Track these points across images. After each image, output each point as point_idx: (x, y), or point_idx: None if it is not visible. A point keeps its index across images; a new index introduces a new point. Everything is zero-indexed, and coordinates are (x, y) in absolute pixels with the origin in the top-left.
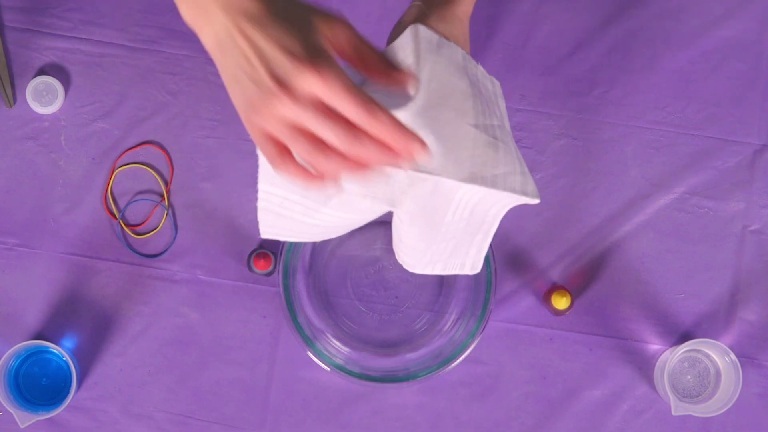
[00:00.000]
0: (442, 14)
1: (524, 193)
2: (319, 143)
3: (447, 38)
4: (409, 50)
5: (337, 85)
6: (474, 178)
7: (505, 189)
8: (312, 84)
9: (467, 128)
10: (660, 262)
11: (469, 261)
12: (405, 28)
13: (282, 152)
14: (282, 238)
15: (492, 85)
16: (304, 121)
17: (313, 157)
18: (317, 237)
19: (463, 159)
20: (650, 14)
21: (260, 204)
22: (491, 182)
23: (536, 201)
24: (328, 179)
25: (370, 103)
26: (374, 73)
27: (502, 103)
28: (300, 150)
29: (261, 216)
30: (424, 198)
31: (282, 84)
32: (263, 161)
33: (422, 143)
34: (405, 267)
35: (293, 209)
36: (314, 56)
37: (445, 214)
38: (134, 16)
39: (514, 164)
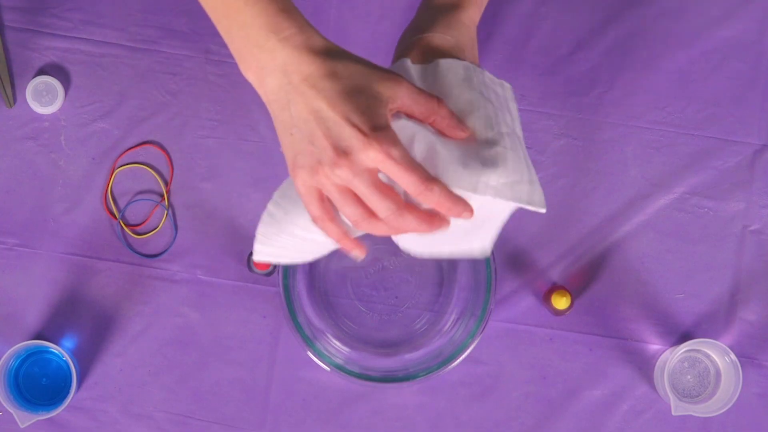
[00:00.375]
0: (448, 22)
1: (530, 203)
2: (366, 210)
3: (452, 48)
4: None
5: (398, 161)
6: (480, 188)
7: (511, 198)
8: (375, 159)
9: (474, 142)
10: (660, 262)
11: (477, 245)
12: (409, 39)
13: (326, 209)
14: (275, 259)
15: (502, 89)
16: (357, 189)
17: (359, 222)
18: (309, 256)
19: (472, 168)
20: (650, 14)
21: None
22: (497, 192)
23: (542, 210)
24: (362, 245)
25: (426, 177)
26: (439, 127)
27: (513, 107)
28: (348, 213)
29: (260, 231)
30: None
31: (343, 154)
32: (286, 188)
33: (469, 208)
34: (410, 253)
35: (296, 223)
36: (377, 130)
37: None
38: (134, 16)
39: (522, 173)
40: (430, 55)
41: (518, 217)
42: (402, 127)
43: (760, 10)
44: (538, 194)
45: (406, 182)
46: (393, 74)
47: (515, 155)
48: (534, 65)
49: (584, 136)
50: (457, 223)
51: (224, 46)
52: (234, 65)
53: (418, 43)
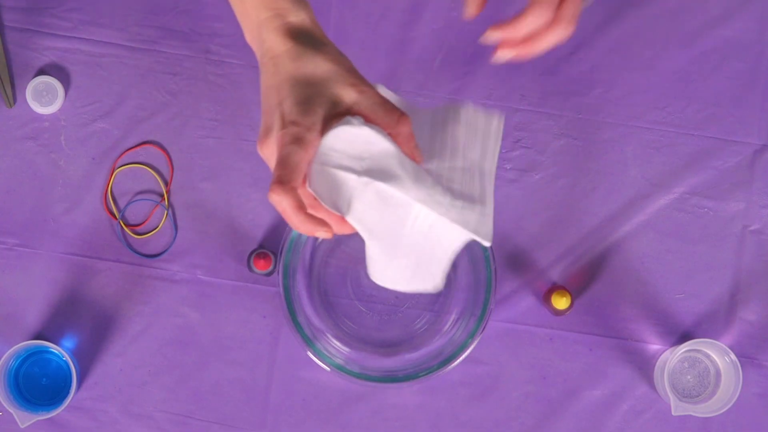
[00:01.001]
0: None
1: (476, 232)
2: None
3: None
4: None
5: (277, 162)
6: (428, 201)
7: (457, 221)
8: (281, 145)
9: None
10: (660, 262)
11: (430, 282)
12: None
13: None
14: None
15: (485, 123)
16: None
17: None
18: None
19: (425, 184)
20: (650, 14)
21: None
22: (445, 209)
23: (487, 244)
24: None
25: (278, 189)
26: (397, 143)
27: (491, 142)
28: None
29: None
30: (378, 206)
31: (265, 135)
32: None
33: (322, 226)
34: (373, 280)
35: None
36: (299, 123)
37: (404, 225)
38: (134, 16)
39: (473, 201)
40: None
41: (518, 216)
42: (359, 134)
43: (760, 10)
44: (487, 227)
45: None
46: (361, 80)
47: (470, 185)
48: (534, 65)
49: (584, 136)
50: (408, 258)
51: (224, 46)
52: (234, 65)
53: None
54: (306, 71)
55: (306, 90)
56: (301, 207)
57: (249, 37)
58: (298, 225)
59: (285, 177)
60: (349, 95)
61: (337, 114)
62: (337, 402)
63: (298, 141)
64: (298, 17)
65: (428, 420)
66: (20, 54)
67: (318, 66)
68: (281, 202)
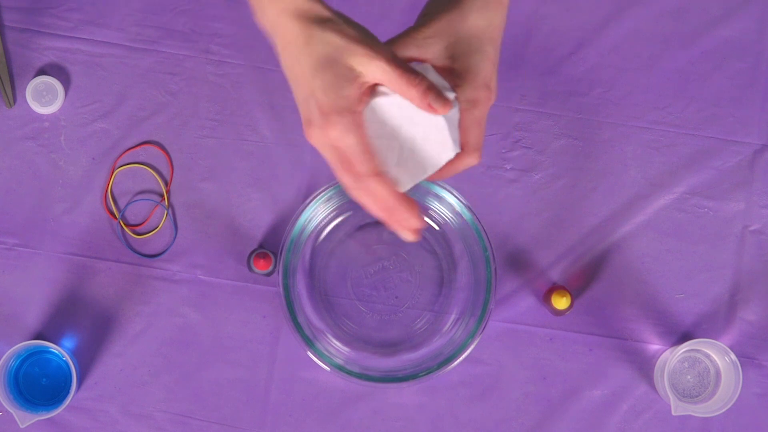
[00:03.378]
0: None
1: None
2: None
3: (483, 31)
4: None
5: (347, 150)
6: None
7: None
8: (329, 142)
9: None
10: (660, 262)
11: (442, 150)
12: (440, 4)
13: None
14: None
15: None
16: (324, 156)
17: (343, 184)
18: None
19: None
20: (650, 14)
21: None
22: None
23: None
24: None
25: (365, 172)
26: (415, 104)
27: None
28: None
29: None
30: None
31: (308, 126)
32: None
33: (400, 210)
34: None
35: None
36: (335, 114)
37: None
38: (134, 16)
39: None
40: (455, 38)
41: (518, 216)
42: (383, 104)
43: (760, 10)
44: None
45: (346, 173)
46: (370, 48)
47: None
48: (534, 65)
49: (584, 136)
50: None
51: (224, 46)
52: (234, 65)
53: (448, 19)
54: (319, 54)
55: (327, 74)
56: (397, 192)
57: (259, 19)
58: (396, 208)
59: (371, 167)
60: (362, 66)
61: (365, 82)
62: (337, 402)
63: (354, 128)
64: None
65: (428, 420)
66: (20, 54)
67: (327, 44)
68: (382, 191)
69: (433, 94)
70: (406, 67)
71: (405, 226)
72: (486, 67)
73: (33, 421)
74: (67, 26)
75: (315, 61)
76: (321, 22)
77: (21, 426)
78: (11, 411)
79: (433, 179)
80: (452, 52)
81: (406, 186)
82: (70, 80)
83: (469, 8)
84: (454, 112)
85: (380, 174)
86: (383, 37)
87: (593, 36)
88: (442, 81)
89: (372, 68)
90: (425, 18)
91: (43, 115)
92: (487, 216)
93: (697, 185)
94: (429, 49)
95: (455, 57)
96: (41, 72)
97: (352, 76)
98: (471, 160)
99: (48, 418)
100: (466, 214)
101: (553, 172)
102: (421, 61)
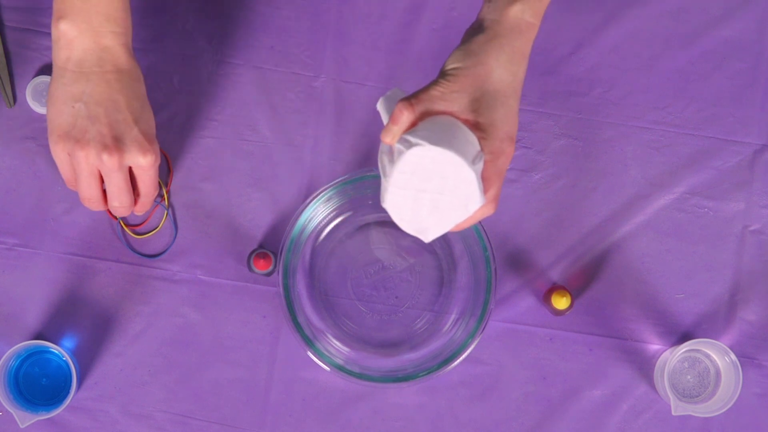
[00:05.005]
0: (512, 52)
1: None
2: (101, 194)
3: (507, 87)
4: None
5: (153, 172)
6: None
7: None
8: (143, 163)
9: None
10: (660, 262)
11: (462, 199)
12: (469, 56)
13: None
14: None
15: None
16: (110, 178)
17: (90, 201)
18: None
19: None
20: (650, 14)
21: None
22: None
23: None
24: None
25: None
26: None
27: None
28: (85, 191)
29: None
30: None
31: (117, 148)
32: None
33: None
34: (418, 236)
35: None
36: (154, 142)
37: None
38: (134, 16)
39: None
40: (481, 93)
41: (518, 216)
42: (416, 155)
43: (760, 10)
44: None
45: (147, 188)
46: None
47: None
48: (534, 65)
49: (584, 136)
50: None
51: (224, 46)
52: (234, 65)
53: (474, 74)
54: (143, 91)
55: (148, 109)
56: None
57: (77, 36)
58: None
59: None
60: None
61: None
62: (337, 402)
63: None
64: (127, 39)
65: (428, 420)
66: (20, 54)
67: (142, 86)
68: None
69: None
70: None
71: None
72: (510, 120)
73: (33, 421)
74: None
75: (143, 95)
76: (137, 66)
77: (21, 426)
78: (11, 411)
79: (453, 230)
80: (477, 106)
81: (433, 236)
82: None
83: (495, 64)
84: (480, 165)
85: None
86: (383, 37)
87: (593, 36)
88: (471, 134)
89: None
90: (451, 72)
91: (43, 115)
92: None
93: (697, 185)
94: (455, 103)
95: (480, 111)
96: (41, 72)
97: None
98: (488, 210)
99: (48, 418)
100: None
101: (553, 172)
102: (448, 114)
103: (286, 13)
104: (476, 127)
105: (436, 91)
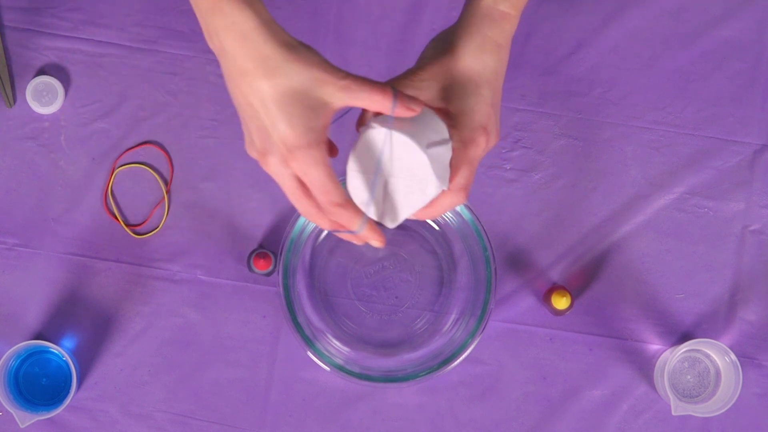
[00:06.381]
0: (482, 40)
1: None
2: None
3: (478, 76)
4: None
5: (311, 182)
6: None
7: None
8: (292, 175)
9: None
10: (660, 262)
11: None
12: (440, 45)
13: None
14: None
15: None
16: (281, 186)
17: (302, 213)
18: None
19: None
20: (650, 14)
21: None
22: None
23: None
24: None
25: (329, 201)
26: (386, 110)
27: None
28: (293, 202)
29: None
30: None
31: (265, 158)
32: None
33: (357, 224)
34: (388, 225)
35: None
36: (300, 149)
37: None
38: (134, 16)
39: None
40: (450, 81)
41: (518, 216)
42: (371, 138)
43: (760, 10)
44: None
45: (305, 200)
46: (335, 77)
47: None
48: (534, 65)
49: (584, 136)
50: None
51: None
52: None
53: (442, 62)
54: (284, 87)
55: (295, 107)
56: (358, 218)
57: (210, 43)
58: (361, 237)
59: (333, 198)
60: (332, 96)
61: (334, 109)
62: (337, 402)
63: (319, 162)
64: (258, 12)
65: (428, 420)
66: (20, 54)
67: (293, 77)
68: (361, 224)
69: (406, 98)
70: (372, 82)
71: (351, 227)
72: (481, 109)
73: (33, 421)
74: (67, 26)
75: (279, 93)
76: (282, 51)
77: (21, 426)
78: (11, 411)
79: (421, 217)
80: (447, 94)
81: (393, 222)
82: (70, 80)
83: (463, 52)
84: (443, 151)
85: (343, 204)
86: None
87: (593, 36)
88: (439, 121)
89: (340, 97)
90: (422, 61)
91: (43, 115)
92: (487, 216)
93: (697, 185)
94: (425, 91)
95: (450, 99)
96: (41, 72)
97: (320, 107)
98: (456, 199)
99: (48, 418)
100: (466, 214)
101: (553, 172)
102: (420, 102)
103: (286, 13)
104: (446, 115)
105: (407, 79)
